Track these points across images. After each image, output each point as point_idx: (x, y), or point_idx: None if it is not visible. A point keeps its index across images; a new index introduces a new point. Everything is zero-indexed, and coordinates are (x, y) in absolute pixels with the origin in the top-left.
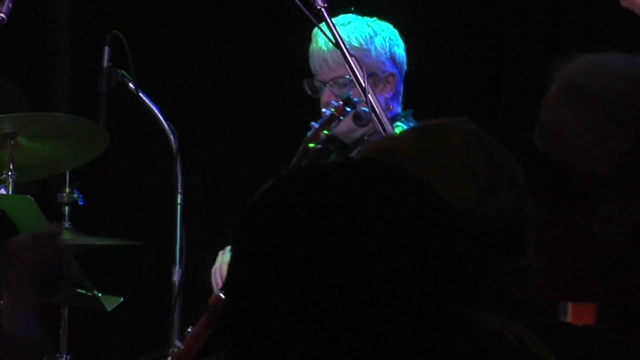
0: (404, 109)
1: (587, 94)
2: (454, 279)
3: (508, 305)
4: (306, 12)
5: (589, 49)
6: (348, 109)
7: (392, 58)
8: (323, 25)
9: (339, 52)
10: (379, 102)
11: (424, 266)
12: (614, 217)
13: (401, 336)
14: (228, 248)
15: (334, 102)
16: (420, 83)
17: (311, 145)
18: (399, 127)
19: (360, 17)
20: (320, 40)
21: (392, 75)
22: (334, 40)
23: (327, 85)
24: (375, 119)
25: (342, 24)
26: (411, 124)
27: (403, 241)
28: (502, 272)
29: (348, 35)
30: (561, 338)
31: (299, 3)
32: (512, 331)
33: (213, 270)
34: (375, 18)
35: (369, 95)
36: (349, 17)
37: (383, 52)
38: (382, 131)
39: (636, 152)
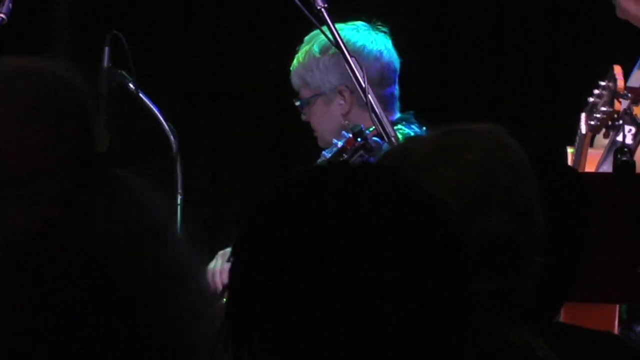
0: (405, 110)
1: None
2: (453, 286)
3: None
4: (306, 12)
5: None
6: (359, 140)
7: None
8: (324, 27)
9: (295, 71)
10: (379, 104)
11: (422, 270)
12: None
13: (402, 337)
14: (228, 249)
15: (345, 133)
16: (421, 84)
17: None
18: (401, 131)
19: (345, 26)
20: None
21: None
22: (334, 41)
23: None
24: (376, 120)
25: (307, 43)
26: (413, 126)
27: (400, 247)
28: (477, 293)
29: (303, 56)
30: (569, 341)
31: (298, 3)
32: (517, 334)
33: (210, 269)
34: (361, 22)
35: (369, 96)
36: (315, 32)
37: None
38: (383, 133)
39: (56, 155)
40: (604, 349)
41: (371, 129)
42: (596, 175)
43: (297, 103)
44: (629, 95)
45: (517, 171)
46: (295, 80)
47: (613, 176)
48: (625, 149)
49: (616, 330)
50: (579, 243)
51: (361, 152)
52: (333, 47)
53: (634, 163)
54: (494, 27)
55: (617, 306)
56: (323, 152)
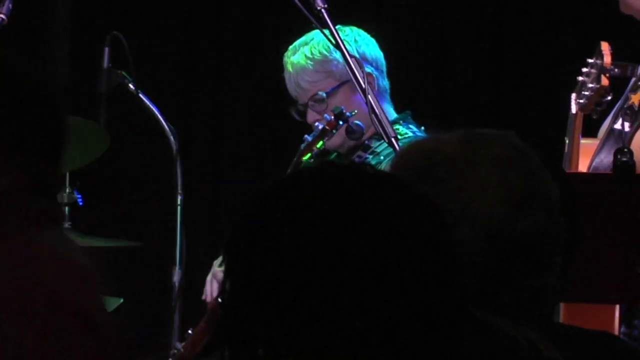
0: (401, 109)
1: None
2: (445, 290)
3: (526, 315)
4: (306, 12)
5: None
6: (340, 122)
7: (364, 58)
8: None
9: (306, 70)
10: (378, 103)
11: (419, 277)
12: None
13: (405, 336)
14: (222, 257)
15: (326, 116)
16: (418, 83)
17: (304, 158)
18: (399, 130)
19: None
20: (288, 64)
21: (369, 75)
22: (334, 42)
23: (308, 106)
24: (376, 120)
25: (305, 43)
26: (411, 126)
27: (398, 251)
28: (519, 289)
29: (311, 52)
30: (569, 341)
31: (298, 4)
32: (524, 335)
33: (208, 279)
34: (338, 26)
35: (369, 96)
36: (310, 34)
37: None
38: (382, 133)
39: None
40: (603, 349)
41: (354, 112)
42: (596, 176)
43: (320, 95)
44: (616, 70)
45: (545, 169)
46: (306, 78)
47: (613, 176)
48: (625, 149)
49: (616, 330)
50: (572, 244)
51: (359, 152)
52: (351, 33)
53: (634, 163)
54: (493, 23)
55: (617, 306)
56: (305, 136)
